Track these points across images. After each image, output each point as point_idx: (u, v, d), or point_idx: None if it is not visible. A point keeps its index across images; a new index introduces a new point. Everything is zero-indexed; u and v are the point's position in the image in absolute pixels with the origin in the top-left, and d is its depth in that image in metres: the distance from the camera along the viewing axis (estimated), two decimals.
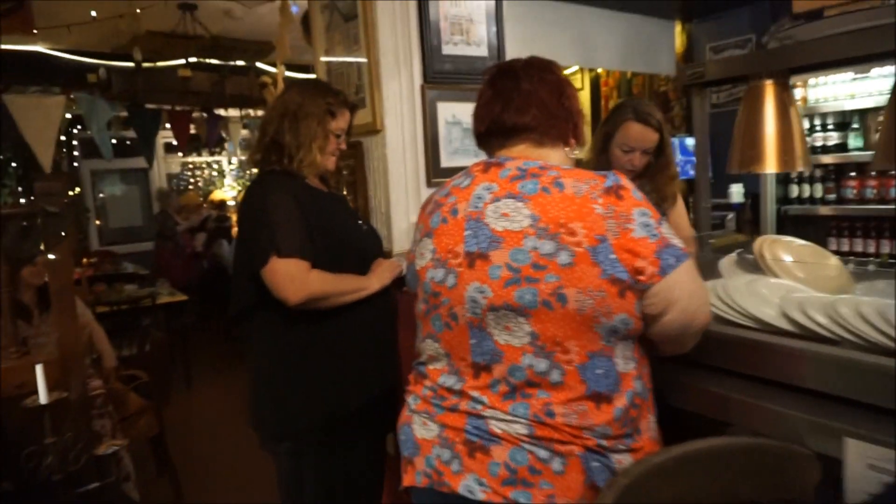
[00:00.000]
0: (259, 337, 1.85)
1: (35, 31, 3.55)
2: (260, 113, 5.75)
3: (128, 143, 8.69)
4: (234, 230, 7.17)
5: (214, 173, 9.54)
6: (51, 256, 2.09)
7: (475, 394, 1.21)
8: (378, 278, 1.87)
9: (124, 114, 7.11)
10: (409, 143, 2.28)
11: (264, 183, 1.80)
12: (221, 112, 4.62)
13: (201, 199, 9.19)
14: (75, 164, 8.30)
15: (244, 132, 8.79)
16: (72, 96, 3.35)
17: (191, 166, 9.35)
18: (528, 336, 1.15)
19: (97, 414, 2.98)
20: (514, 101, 1.30)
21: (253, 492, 3.55)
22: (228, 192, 9.49)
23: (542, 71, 1.33)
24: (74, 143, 8.17)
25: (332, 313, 1.79)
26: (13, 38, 3.75)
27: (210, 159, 9.33)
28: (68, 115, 5.78)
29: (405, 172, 2.29)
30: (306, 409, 1.78)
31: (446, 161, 2.37)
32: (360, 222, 1.98)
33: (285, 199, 1.74)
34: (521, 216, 1.18)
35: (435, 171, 2.35)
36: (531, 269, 1.14)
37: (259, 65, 3.92)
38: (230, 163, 9.58)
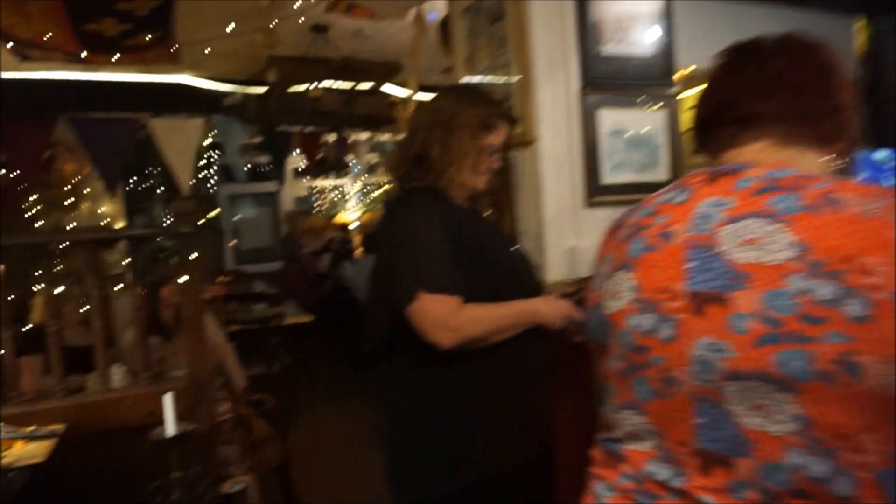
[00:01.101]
0: (398, 382, 1.61)
1: (178, 63, 3.63)
2: (386, 137, 5.73)
3: (260, 168, 9.13)
4: (357, 251, 7.18)
5: (339, 196, 9.74)
6: (182, 280, 2.00)
7: (707, 499, 0.86)
8: (546, 305, 1.58)
9: (258, 139, 7.44)
10: (564, 157, 1.99)
11: (408, 204, 1.57)
12: (350, 135, 4.58)
13: (326, 221, 9.41)
14: (213, 188, 8.76)
15: (369, 156, 8.94)
16: (209, 120, 3.37)
17: (317, 190, 9.61)
18: (794, 422, 0.79)
19: (225, 440, 2.90)
20: (756, 80, 0.96)
21: None
22: (352, 214, 9.66)
23: (803, 48, 0.98)
24: (213, 169, 8.64)
25: (488, 356, 1.51)
26: (159, 67, 3.87)
27: (335, 182, 9.55)
28: (208, 141, 6.04)
29: (560, 190, 1.98)
30: (440, 468, 1.51)
31: (608, 177, 2.05)
32: (513, 249, 1.70)
33: (432, 223, 1.50)
34: (777, 244, 0.83)
35: (593, 189, 2.03)
36: (800, 321, 0.79)
37: (387, 86, 3.82)
38: (354, 185, 9.75)
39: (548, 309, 1.57)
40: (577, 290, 1.68)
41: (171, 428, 1.87)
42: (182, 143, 3.25)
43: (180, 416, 1.99)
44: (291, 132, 3.80)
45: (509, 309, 1.52)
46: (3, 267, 1.70)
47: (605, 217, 2.04)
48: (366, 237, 6.77)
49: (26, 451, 1.63)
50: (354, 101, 3.34)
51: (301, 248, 8.06)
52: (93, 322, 1.99)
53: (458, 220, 1.55)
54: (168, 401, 1.86)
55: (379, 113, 3.51)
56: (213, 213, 8.63)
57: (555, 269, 1.98)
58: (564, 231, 2.00)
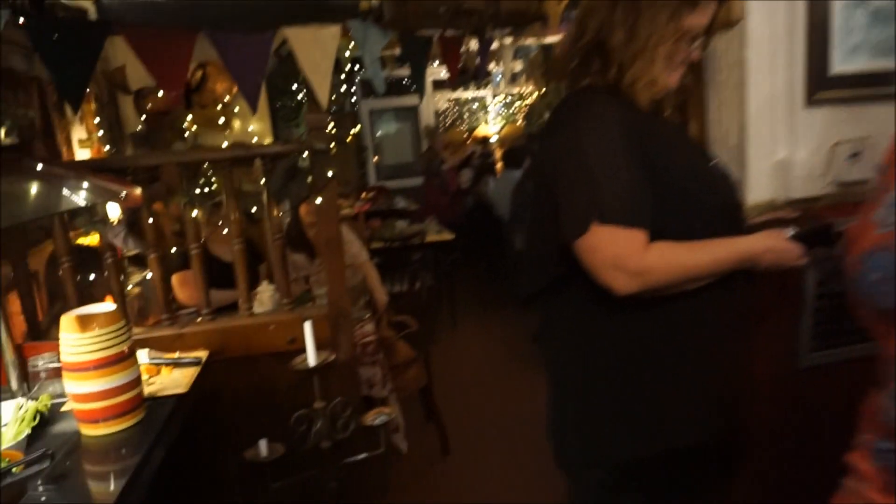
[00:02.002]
0: (564, 329, 1.33)
1: None
2: (531, 40, 5.23)
3: (400, 82, 8.97)
4: (499, 166, 6.87)
5: (479, 109, 9.38)
6: (318, 200, 1.84)
7: None
8: (768, 248, 1.20)
9: (397, 49, 7.20)
10: (780, 39, 1.50)
11: (580, 108, 1.22)
12: (494, 39, 4.16)
13: (466, 135, 9.14)
14: (355, 105, 8.76)
15: (513, 63, 8.39)
16: (345, 26, 3.14)
17: (457, 102, 9.31)
18: None
19: (368, 362, 2.84)
20: None
21: (519, 439, 3.32)
22: (492, 127, 9.29)
23: None
24: (355, 84, 8.61)
25: (678, 304, 1.19)
26: None
27: (475, 94, 9.17)
28: (348, 54, 5.90)
29: (771, 84, 1.52)
30: (631, 431, 1.24)
31: (839, 64, 1.53)
32: (711, 164, 1.31)
33: (613, 133, 1.15)
34: None
35: (818, 81, 1.53)
36: None
37: None
38: (494, 97, 9.32)
39: (771, 254, 1.19)
40: (797, 221, 1.27)
41: (312, 357, 1.77)
42: (318, 54, 3.04)
43: (322, 344, 1.89)
44: (431, 37, 3.48)
45: (713, 251, 1.17)
46: (139, 190, 1.63)
47: (832, 120, 1.60)
48: (508, 152, 6.42)
49: (171, 378, 1.60)
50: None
51: (442, 163, 7.90)
52: (232, 244, 1.91)
53: (644, 130, 1.19)
54: (308, 329, 1.76)
55: (527, 10, 3.09)
56: (355, 130, 8.67)
57: (758, 189, 1.56)
58: (774, 138, 1.54)
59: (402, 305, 3.66)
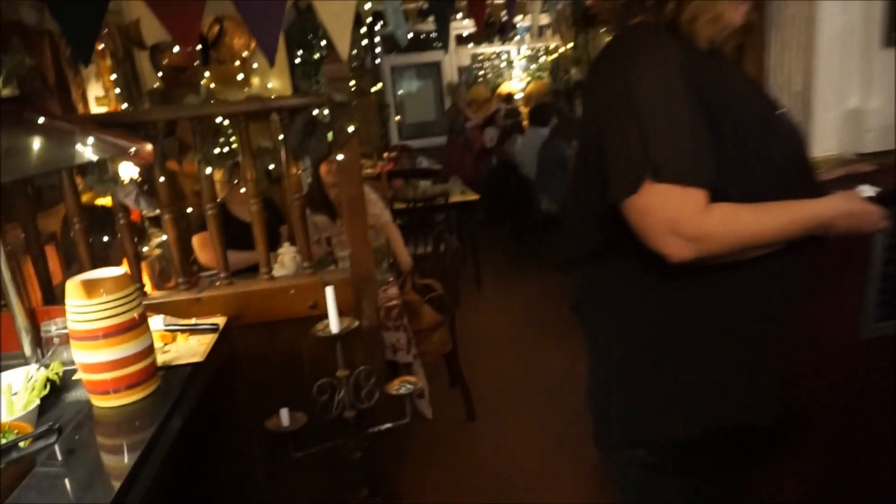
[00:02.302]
0: (609, 297, 1.20)
1: None
2: None
3: (422, 36, 8.71)
4: (525, 123, 6.65)
5: (503, 64, 9.08)
6: (339, 157, 1.72)
7: None
8: (845, 212, 1.06)
9: (420, 4, 6.97)
10: None
11: (633, 49, 1.06)
12: None
13: (490, 92, 8.89)
14: (377, 60, 8.54)
15: (542, 16, 8.03)
16: None
17: (481, 58, 9.02)
18: None
19: (393, 326, 2.76)
20: None
21: (545, 405, 3.28)
22: (517, 84, 9.01)
23: None
24: (376, 40, 8.37)
25: (739, 272, 1.06)
26: None
27: (499, 49, 8.86)
28: (368, 6, 5.68)
29: (844, 23, 1.34)
30: (681, 410, 1.12)
31: None
32: (779, 113, 1.16)
33: (671, 77, 1.00)
34: None
35: None
36: None
37: None
38: (519, 52, 9.00)
39: (848, 218, 1.04)
40: (873, 178, 1.12)
41: (334, 324, 1.68)
42: (338, 3, 2.87)
43: (345, 310, 1.80)
44: None
45: (783, 215, 1.02)
46: (150, 146, 1.52)
47: None
48: (535, 109, 6.20)
49: (187, 346, 1.52)
50: None
51: (466, 121, 7.70)
52: (250, 205, 1.81)
53: (705, 73, 1.04)
54: (330, 295, 1.66)
55: None
56: (376, 87, 8.47)
57: (824, 142, 1.40)
58: (846, 85, 1.38)
59: (426, 268, 3.56)
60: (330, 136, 1.72)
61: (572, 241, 1.21)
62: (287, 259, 2.90)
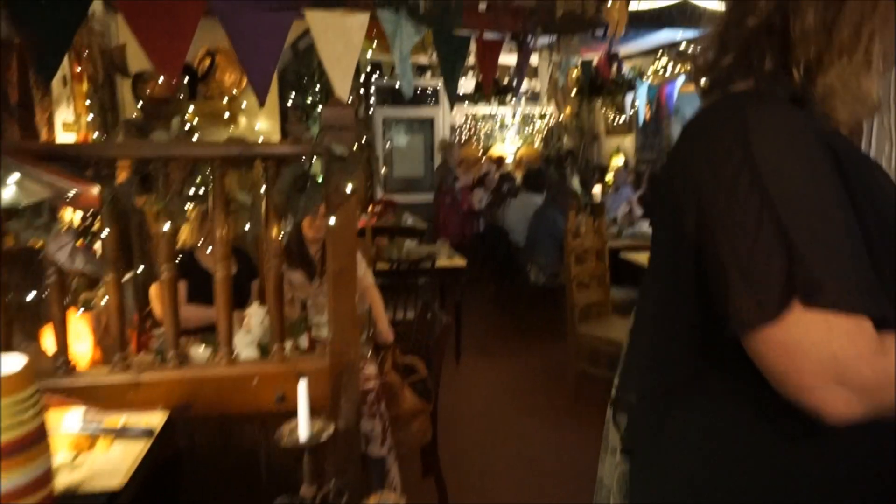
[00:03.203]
0: (683, 448, 0.88)
1: None
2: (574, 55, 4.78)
3: (418, 91, 8.61)
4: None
5: (497, 126, 8.99)
6: (332, 221, 1.41)
7: None
8: None
9: (419, 59, 6.84)
10: None
11: (745, 119, 0.77)
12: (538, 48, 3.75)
13: (481, 153, 8.77)
14: (370, 111, 8.38)
15: (535, 83, 7.99)
16: (374, 16, 2.73)
17: (473, 118, 8.92)
18: None
19: (368, 413, 2.40)
20: None
21: (531, 498, 2.99)
22: (508, 147, 8.91)
23: None
24: (372, 90, 8.24)
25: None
26: None
27: (493, 110, 8.79)
28: (370, 54, 5.50)
29: None
30: None
31: None
32: None
33: (813, 160, 0.73)
34: None
35: None
36: None
37: None
38: (514, 115, 8.94)
39: None
40: None
41: (304, 428, 1.34)
42: (342, 44, 2.63)
43: (320, 405, 1.46)
44: (468, 38, 3.07)
45: None
46: (96, 190, 1.21)
47: None
48: (528, 174, 6.02)
49: (108, 459, 1.15)
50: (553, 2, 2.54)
51: (455, 180, 7.51)
52: (217, 268, 1.48)
53: (846, 157, 0.77)
54: (303, 390, 1.33)
55: (583, 13, 2.69)
56: (367, 137, 8.28)
57: None
58: None
59: (407, 341, 3.22)
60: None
61: (645, 370, 0.90)
62: (255, 322, 2.55)
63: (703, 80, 0.92)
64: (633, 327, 0.96)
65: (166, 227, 1.43)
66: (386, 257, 4.51)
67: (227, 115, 4.36)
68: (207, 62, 4.38)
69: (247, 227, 1.46)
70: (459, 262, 4.65)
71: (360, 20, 2.69)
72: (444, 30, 3.02)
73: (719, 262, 0.74)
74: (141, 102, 3.76)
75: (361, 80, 7.36)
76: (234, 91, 4.49)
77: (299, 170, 1.35)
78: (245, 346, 2.35)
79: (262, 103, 2.48)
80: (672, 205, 0.86)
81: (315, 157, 1.37)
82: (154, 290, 2.85)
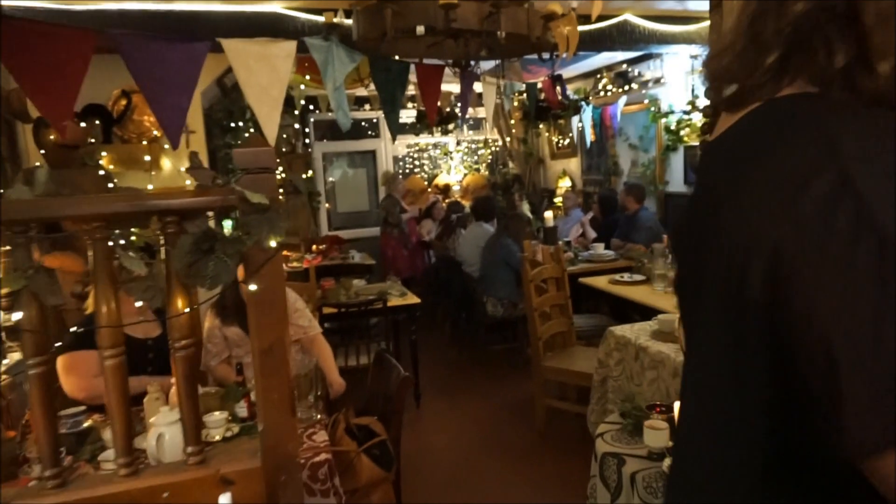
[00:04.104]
0: None
1: None
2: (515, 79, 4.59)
3: (362, 123, 8.38)
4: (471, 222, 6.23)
5: (441, 155, 8.83)
6: (252, 287, 1.13)
7: None
8: None
9: (356, 92, 6.63)
10: None
11: (839, 138, 0.53)
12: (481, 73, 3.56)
13: (426, 183, 8.57)
14: (309, 148, 8.09)
15: (478, 109, 7.85)
16: (303, 44, 2.48)
17: (417, 147, 8.74)
18: None
19: (320, 490, 2.08)
20: None
21: None
22: (454, 176, 8.74)
23: None
24: (308, 126, 7.96)
25: None
26: None
27: (436, 140, 8.63)
28: (302, 88, 5.23)
29: None
30: None
31: None
32: None
33: None
34: None
35: None
36: None
37: None
38: (458, 144, 8.80)
39: None
40: None
41: None
42: (266, 76, 2.35)
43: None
44: (408, 64, 2.84)
45: None
46: None
47: None
48: (478, 203, 5.82)
49: None
50: (499, 14, 2.34)
51: (401, 212, 7.27)
52: (104, 357, 1.16)
53: None
54: None
55: (529, 33, 2.50)
56: (307, 174, 7.97)
57: None
58: None
59: (361, 396, 2.92)
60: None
61: (698, 488, 0.65)
62: (169, 407, 2.21)
63: (728, 89, 0.70)
64: (679, 429, 0.71)
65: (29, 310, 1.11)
66: (333, 300, 4.19)
67: (147, 157, 4.00)
68: (123, 103, 4.03)
69: (138, 303, 1.15)
70: (412, 299, 4.37)
71: (287, 49, 2.43)
72: (380, 57, 2.78)
73: (819, 345, 0.50)
74: (43, 151, 3.37)
75: (297, 114, 7.08)
76: (156, 133, 4.14)
77: (203, 225, 1.07)
78: (169, 425, 2.01)
79: (174, 145, 2.18)
80: (719, 260, 0.62)
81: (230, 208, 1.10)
82: (63, 362, 2.47)
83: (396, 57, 2.84)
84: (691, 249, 0.69)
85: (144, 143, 4.06)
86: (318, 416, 2.38)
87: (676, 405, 2.04)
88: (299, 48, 2.58)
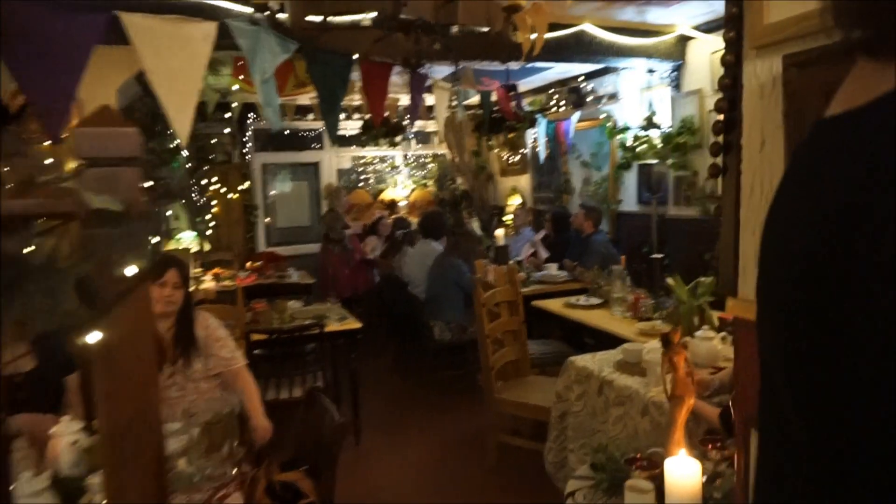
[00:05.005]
0: None
1: None
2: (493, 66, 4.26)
3: (300, 134, 7.93)
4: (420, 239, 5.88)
5: (387, 169, 8.48)
6: (96, 337, 0.76)
7: None
8: None
9: (298, 100, 6.22)
10: None
11: None
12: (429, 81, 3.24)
13: (371, 198, 8.19)
14: (248, 156, 7.61)
15: (430, 123, 7.53)
16: (225, 25, 2.10)
17: (363, 160, 8.36)
18: None
19: None
20: None
21: None
22: (401, 190, 8.40)
23: None
24: (248, 134, 7.49)
25: None
26: None
27: (384, 153, 8.27)
28: (235, 87, 4.82)
29: None
30: None
31: None
32: None
33: None
34: None
35: None
36: None
37: None
38: (406, 157, 8.47)
39: None
40: None
41: None
42: (180, 61, 1.97)
43: None
44: (350, 58, 2.49)
45: None
46: None
47: None
48: (426, 219, 5.50)
49: None
50: (454, 6, 2.03)
51: (344, 227, 6.86)
52: None
53: None
54: None
55: (491, 26, 2.20)
56: (243, 186, 7.48)
57: None
58: None
59: (287, 444, 2.50)
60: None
61: None
62: (64, 446, 1.77)
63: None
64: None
65: None
66: (264, 325, 3.76)
67: (49, 161, 3.49)
68: (23, 99, 3.51)
69: None
70: (353, 324, 3.98)
71: (205, 30, 2.04)
72: (319, 49, 2.42)
73: None
74: None
75: (232, 119, 6.60)
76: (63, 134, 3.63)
77: (26, 244, 0.70)
78: (33, 496, 1.57)
79: (54, 138, 1.76)
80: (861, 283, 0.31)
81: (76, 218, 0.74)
82: None
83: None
84: (833, 237, 0.39)
85: (47, 143, 3.54)
86: (234, 472, 1.98)
87: (665, 457, 1.73)
88: (223, 34, 2.19)
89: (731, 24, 1.07)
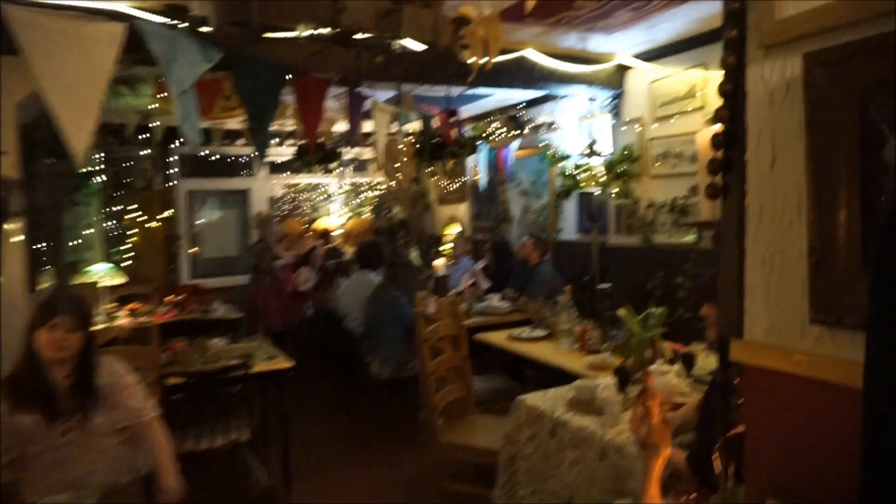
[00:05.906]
0: None
1: None
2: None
3: (229, 160, 7.54)
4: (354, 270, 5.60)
5: (321, 197, 8.18)
6: None
7: None
8: None
9: (227, 124, 5.87)
10: None
11: None
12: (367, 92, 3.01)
13: (305, 227, 7.86)
14: (172, 182, 7.16)
15: (366, 151, 7.29)
16: (135, 27, 1.83)
17: (295, 189, 8.04)
18: None
19: None
20: None
21: None
22: (335, 219, 8.12)
23: None
24: (173, 158, 7.05)
25: None
26: None
27: (318, 180, 7.98)
28: (155, 104, 4.49)
29: None
30: None
31: None
32: None
33: None
34: None
35: None
36: None
37: None
38: (340, 185, 8.21)
39: None
40: None
41: None
42: (78, 66, 1.68)
43: None
44: (283, 71, 2.26)
45: None
46: None
47: None
48: (362, 249, 5.24)
49: None
50: (402, 11, 1.85)
51: (275, 258, 6.51)
52: None
53: None
54: None
55: (436, 38, 2.02)
56: (166, 214, 7.02)
57: None
58: None
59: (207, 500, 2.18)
60: None
61: None
62: None
63: None
64: None
65: None
66: (183, 367, 3.39)
67: None
68: None
69: None
70: (283, 363, 3.66)
71: (110, 31, 1.77)
72: (246, 59, 2.18)
73: None
74: None
75: (154, 142, 6.17)
76: None
77: None
78: None
79: None
80: None
81: None
82: None
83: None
84: None
85: None
86: None
87: None
88: (134, 39, 1.92)
89: (732, 21, 0.92)
